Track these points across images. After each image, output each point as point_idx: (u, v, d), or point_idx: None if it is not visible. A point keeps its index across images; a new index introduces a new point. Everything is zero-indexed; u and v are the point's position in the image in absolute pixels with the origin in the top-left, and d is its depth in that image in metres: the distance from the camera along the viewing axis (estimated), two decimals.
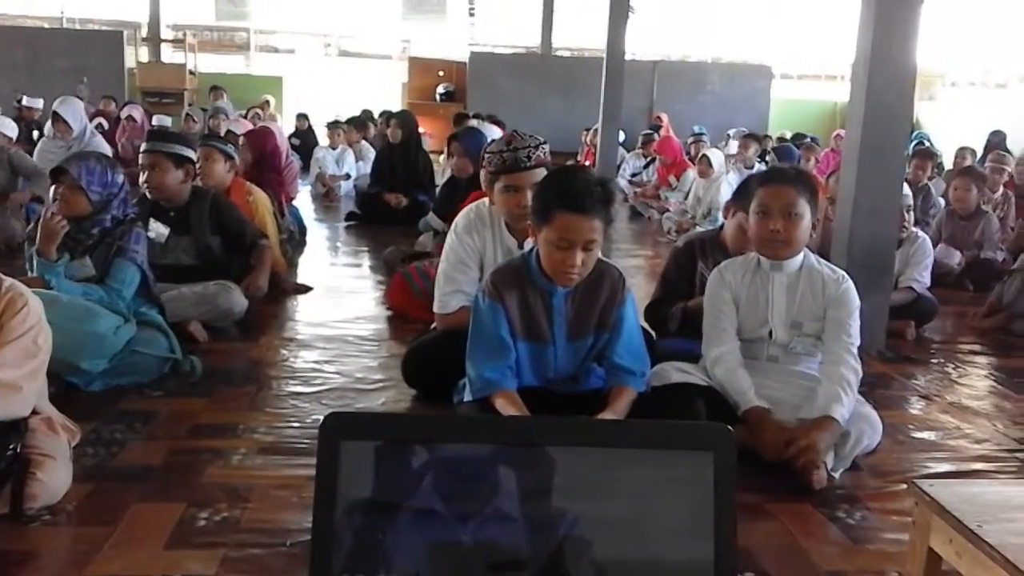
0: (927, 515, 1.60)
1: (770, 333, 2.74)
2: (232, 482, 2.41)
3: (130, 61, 15.53)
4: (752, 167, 8.01)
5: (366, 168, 8.53)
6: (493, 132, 6.54)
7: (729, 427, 1.07)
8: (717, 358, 2.69)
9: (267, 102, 12.67)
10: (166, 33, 17.62)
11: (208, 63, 17.68)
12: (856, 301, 2.70)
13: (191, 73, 15.65)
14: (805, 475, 2.45)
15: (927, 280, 4.45)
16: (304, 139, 11.30)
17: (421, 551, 1.16)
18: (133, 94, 14.31)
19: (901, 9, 3.81)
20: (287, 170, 6.01)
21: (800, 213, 2.62)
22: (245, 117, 9.64)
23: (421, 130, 7.78)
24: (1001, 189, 6.73)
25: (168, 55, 17.33)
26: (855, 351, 2.66)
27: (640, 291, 3.97)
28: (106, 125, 9.52)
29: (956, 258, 5.51)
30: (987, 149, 9.45)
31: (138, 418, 2.83)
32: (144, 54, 16.72)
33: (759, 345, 2.77)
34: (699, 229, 5.51)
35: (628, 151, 10.72)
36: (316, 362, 3.49)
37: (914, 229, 4.51)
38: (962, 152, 8.99)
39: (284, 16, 20.32)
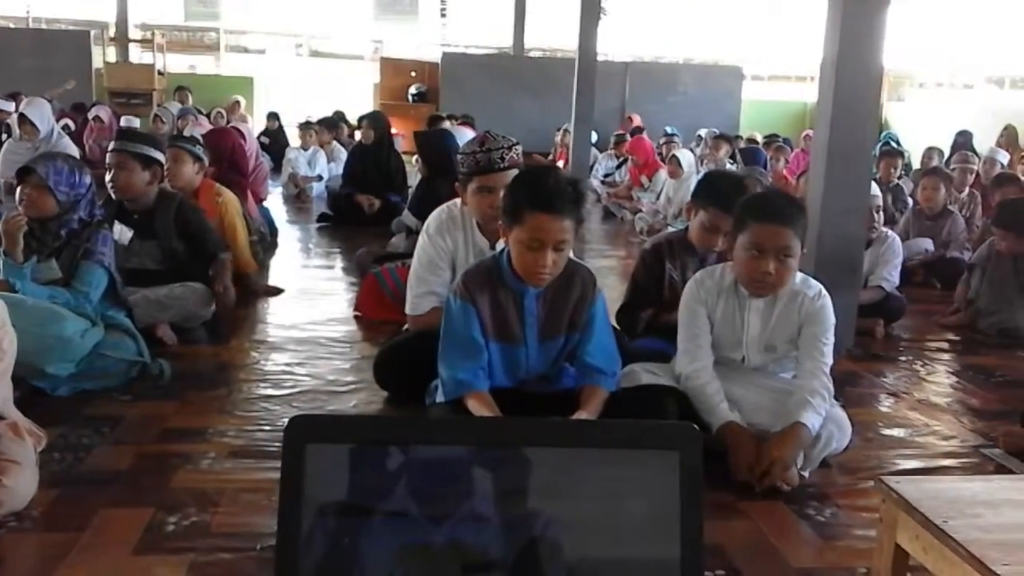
0: (894, 512, 1.62)
1: (743, 359, 2.73)
2: (201, 486, 2.39)
3: (97, 61, 15.32)
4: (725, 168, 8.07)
5: (338, 169, 8.49)
6: (463, 134, 6.54)
7: (695, 426, 1.07)
8: (691, 373, 2.66)
9: (237, 102, 12.57)
10: (134, 33, 17.41)
11: (177, 63, 17.51)
12: (831, 318, 2.66)
13: (160, 73, 15.47)
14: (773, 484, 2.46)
15: (896, 279, 4.50)
16: (274, 139, 11.23)
17: (393, 554, 1.15)
18: (101, 95, 14.13)
19: (867, 11, 3.85)
20: (257, 171, 5.96)
21: (793, 253, 2.56)
22: (208, 117, 9.55)
23: (393, 131, 7.75)
24: (967, 189, 6.83)
25: (136, 55, 17.13)
26: (827, 370, 2.63)
27: (613, 291, 3.99)
28: (73, 126, 9.40)
29: (927, 245, 5.59)
30: (954, 149, 9.57)
31: (106, 422, 2.80)
32: (112, 54, 16.51)
33: (731, 366, 2.75)
34: (671, 229, 5.52)
35: (601, 151, 10.76)
36: (287, 364, 3.47)
37: (884, 229, 4.56)
38: (929, 152, 9.12)
39: (255, 16, 20.17)
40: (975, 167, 7.37)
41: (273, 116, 11.97)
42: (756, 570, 2.08)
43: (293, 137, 10.07)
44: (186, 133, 6.45)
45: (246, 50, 20.91)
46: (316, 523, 1.16)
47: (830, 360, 2.65)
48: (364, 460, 1.16)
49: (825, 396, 2.57)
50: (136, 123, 9.31)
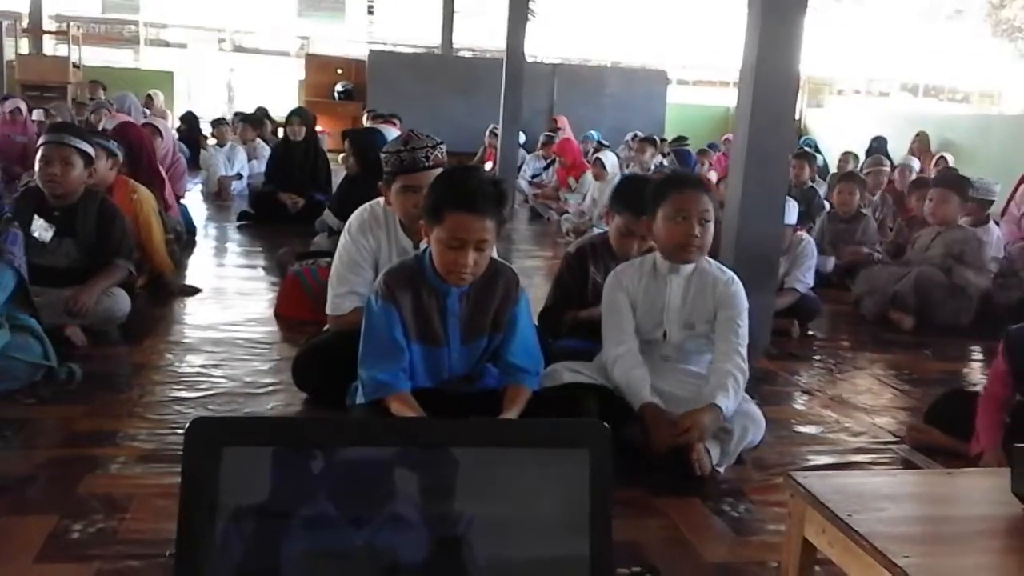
0: (801, 506, 1.66)
1: (664, 334, 2.80)
2: (110, 492, 2.31)
3: (9, 53, 14.73)
4: (649, 170, 8.18)
5: (260, 167, 8.34)
6: (389, 132, 6.48)
7: (605, 423, 1.08)
8: (617, 358, 2.74)
9: (150, 97, 12.22)
10: (48, 24, 16.82)
11: (94, 56, 16.98)
12: (745, 302, 2.78)
13: (75, 67, 14.97)
14: (688, 456, 2.53)
15: (810, 281, 4.63)
16: (188, 136, 10.91)
17: (311, 558, 1.13)
18: (12, 88, 13.58)
19: (784, 19, 3.95)
20: (174, 167, 5.81)
21: (711, 218, 2.73)
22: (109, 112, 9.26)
23: (318, 128, 7.66)
24: (880, 192, 7.06)
25: (50, 48, 16.55)
26: (743, 351, 2.73)
27: (539, 291, 4.00)
28: None
29: (831, 264, 5.78)
30: (869, 154, 9.90)
31: (10, 427, 2.69)
32: (24, 46, 15.91)
33: (654, 345, 2.82)
34: (596, 230, 5.58)
35: (529, 152, 10.80)
36: (202, 366, 3.39)
37: (800, 233, 4.70)
38: (845, 157, 9.42)
39: (175, 9, 19.70)
40: (888, 171, 7.65)
41: (187, 118, 11.61)
42: (671, 565, 2.11)
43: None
44: (100, 127, 6.24)
45: (167, 44, 20.42)
46: (230, 528, 1.13)
47: (746, 340, 2.76)
48: (282, 463, 1.14)
49: (739, 377, 2.67)
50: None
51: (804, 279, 4.56)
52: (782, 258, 4.33)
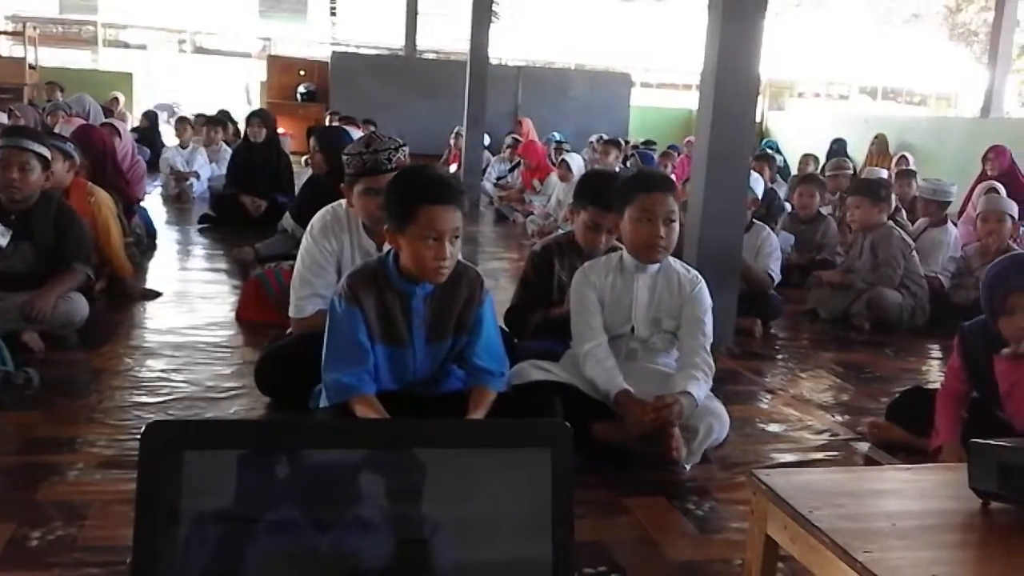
0: (764, 503, 1.67)
1: (632, 329, 2.85)
2: (69, 499, 2.27)
3: None
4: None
5: (222, 169, 8.25)
6: (352, 134, 6.44)
7: (567, 423, 1.08)
8: (588, 352, 2.78)
9: (116, 99, 12.06)
10: (4, 25, 16.57)
11: (51, 57, 16.70)
12: (709, 300, 2.86)
13: (31, 68, 14.71)
14: (666, 440, 2.56)
15: (778, 272, 4.71)
16: (148, 139, 10.77)
17: (276, 562, 1.12)
18: None
19: (744, 23, 3.99)
20: (134, 169, 5.73)
21: (677, 219, 2.79)
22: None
23: (281, 130, 7.60)
24: (839, 193, 7.16)
25: (6, 48, 16.26)
26: (708, 348, 2.80)
27: (505, 293, 4.00)
28: None
29: (790, 241, 5.88)
30: (829, 156, 10.04)
31: None
32: None
33: (621, 341, 2.87)
34: (561, 231, 5.59)
35: (493, 155, 10.80)
36: (163, 371, 3.34)
37: (758, 222, 4.77)
38: (806, 159, 9.53)
39: (135, 10, 19.43)
40: (850, 173, 7.75)
41: (149, 115, 11.49)
42: (637, 565, 2.12)
43: (171, 136, 9.72)
44: (57, 130, 6.13)
45: (126, 45, 20.14)
46: (191, 533, 1.12)
47: (710, 337, 2.83)
48: (245, 467, 1.13)
49: (706, 371, 2.74)
50: (3, 119, 8.83)
51: (775, 269, 4.65)
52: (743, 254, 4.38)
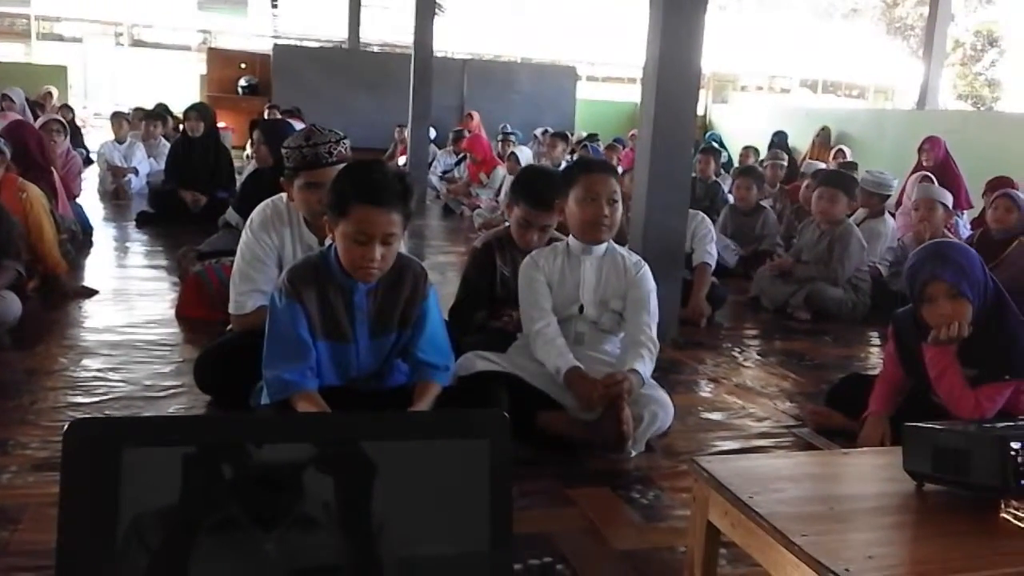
0: (705, 490, 1.69)
1: (580, 309, 2.91)
2: (1, 503, 2.20)
3: None
4: (559, 165, 8.24)
5: (160, 164, 8.08)
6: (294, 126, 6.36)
7: (505, 413, 1.07)
8: (538, 332, 2.83)
9: (49, 93, 11.74)
10: None
11: None
12: (652, 283, 2.94)
13: None
14: (617, 415, 2.59)
15: (715, 254, 4.77)
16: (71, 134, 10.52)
17: (220, 564, 1.10)
18: None
19: (685, 17, 4.02)
20: (69, 165, 5.58)
21: (619, 200, 2.88)
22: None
23: (221, 124, 7.46)
24: (778, 185, 7.28)
25: None
26: (653, 328, 2.87)
27: (452, 287, 3.97)
28: None
29: (734, 260, 5.94)
30: (770, 148, 10.19)
31: None
32: None
33: (570, 323, 2.92)
34: (506, 224, 5.59)
35: (440, 148, 10.75)
36: (99, 370, 3.26)
37: (692, 210, 4.83)
38: (746, 151, 9.67)
39: (70, 2, 18.92)
40: (784, 164, 7.88)
41: (65, 108, 11.20)
42: (582, 555, 2.12)
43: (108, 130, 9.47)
44: None
45: (61, 38, 19.61)
46: (130, 535, 1.09)
47: (656, 317, 2.90)
48: (188, 465, 1.10)
49: (651, 348, 2.82)
50: None
51: (710, 252, 4.70)
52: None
